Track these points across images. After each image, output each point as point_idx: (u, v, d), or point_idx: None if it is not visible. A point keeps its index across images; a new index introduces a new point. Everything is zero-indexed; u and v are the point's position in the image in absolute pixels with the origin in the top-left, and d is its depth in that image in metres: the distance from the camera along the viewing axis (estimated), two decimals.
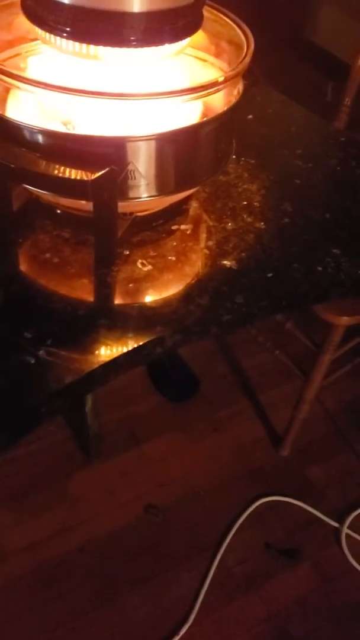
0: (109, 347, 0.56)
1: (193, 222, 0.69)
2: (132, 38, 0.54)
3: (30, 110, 0.61)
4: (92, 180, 0.52)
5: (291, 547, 1.20)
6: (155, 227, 0.67)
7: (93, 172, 0.53)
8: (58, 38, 0.56)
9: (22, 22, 0.61)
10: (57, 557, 1.15)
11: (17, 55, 0.66)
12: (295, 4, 2.48)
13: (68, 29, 0.55)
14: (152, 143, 0.55)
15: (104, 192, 0.54)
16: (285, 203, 0.73)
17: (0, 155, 0.54)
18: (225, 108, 0.58)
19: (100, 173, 0.52)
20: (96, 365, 0.54)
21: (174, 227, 0.68)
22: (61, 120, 0.59)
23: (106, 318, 0.58)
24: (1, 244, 0.63)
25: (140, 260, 0.63)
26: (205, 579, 1.14)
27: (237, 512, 1.24)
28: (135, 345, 0.56)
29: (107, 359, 0.54)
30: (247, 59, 0.56)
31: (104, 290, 0.61)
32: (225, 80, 0.55)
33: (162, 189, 0.60)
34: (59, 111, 0.59)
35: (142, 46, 0.55)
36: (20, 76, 0.54)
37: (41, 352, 0.54)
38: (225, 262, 0.64)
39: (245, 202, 0.73)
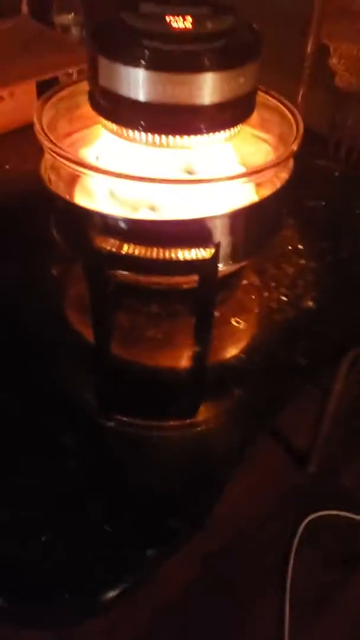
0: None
1: (255, 273, 0.75)
2: (201, 126, 0.60)
3: (102, 197, 0.65)
4: (210, 259, 0.56)
5: (350, 556, 1.25)
6: (228, 285, 0.72)
7: (189, 248, 0.58)
8: (131, 130, 0.60)
9: (83, 113, 0.66)
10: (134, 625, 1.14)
11: (74, 142, 0.70)
12: None
13: (143, 122, 0.59)
14: (239, 217, 0.61)
15: (210, 267, 0.59)
16: (320, 241, 0.81)
17: (106, 249, 0.57)
18: (284, 182, 0.64)
19: (211, 251, 0.57)
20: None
21: (244, 282, 0.73)
22: (147, 206, 0.63)
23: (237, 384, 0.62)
24: (105, 331, 0.65)
25: (233, 319, 0.68)
26: (284, 610, 1.16)
27: (289, 538, 1.28)
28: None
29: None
30: (295, 147, 0.62)
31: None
32: (288, 157, 0.61)
33: (237, 257, 0.65)
34: (143, 198, 0.63)
35: (210, 132, 0.60)
36: (115, 172, 0.58)
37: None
38: (308, 302, 0.70)
39: (289, 247, 0.79)
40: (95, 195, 0.65)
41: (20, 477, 0.53)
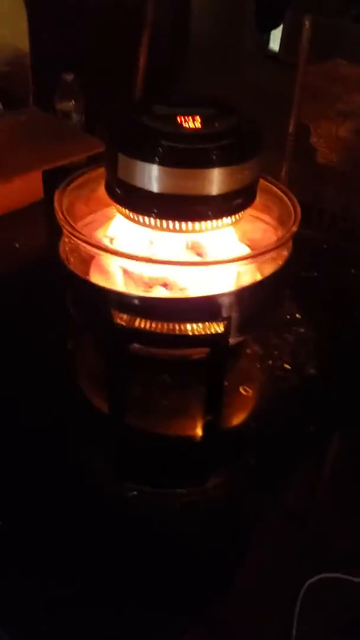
0: None
1: (258, 342, 0.79)
2: (209, 213, 0.65)
3: (117, 275, 0.70)
4: (222, 333, 0.61)
5: (352, 620, 1.25)
6: (234, 354, 0.76)
7: (201, 323, 0.62)
8: (145, 217, 0.66)
9: (98, 196, 0.72)
10: None
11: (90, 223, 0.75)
12: None
13: (156, 210, 0.65)
14: (247, 293, 0.66)
15: (222, 340, 0.63)
16: (316, 310, 0.86)
17: (124, 324, 0.62)
18: (285, 260, 0.70)
19: (223, 325, 0.61)
20: None
21: (248, 351, 0.78)
22: (161, 283, 0.68)
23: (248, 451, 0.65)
24: (121, 402, 0.69)
25: (242, 387, 0.72)
26: None
27: (290, 603, 1.28)
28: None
29: None
30: (295, 228, 0.68)
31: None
32: (289, 238, 0.67)
33: (245, 329, 0.70)
34: (157, 277, 0.68)
35: (216, 219, 0.66)
36: (133, 255, 0.63)
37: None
38: (310, 370, 0.75)
39: (288, 317, 0.84)
40: (110, 273, 0.70)
41: (44, 555, 0.55)
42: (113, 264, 0.70)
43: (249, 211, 0.76)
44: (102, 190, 0.73)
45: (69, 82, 1.23)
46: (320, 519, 1.42)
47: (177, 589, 0.54)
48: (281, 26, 2.66)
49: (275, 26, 2.72)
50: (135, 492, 0.60)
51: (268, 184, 0.73)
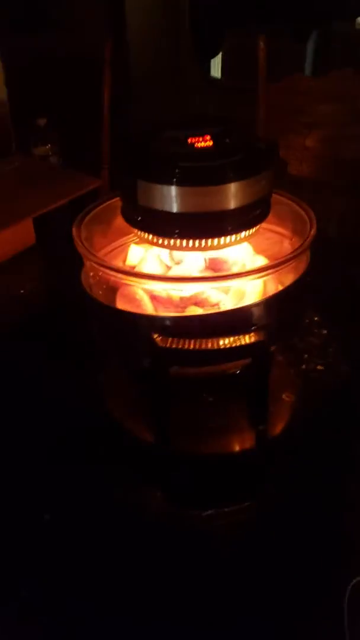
0: None
1: (286, 349, 0.80)
2: (228, 228, 0.67)
3: (146, 303, 0.70)
4: (263, 341, 0.61)
5: None
6: None
7: (241, 335, 0.63)
8: (167, 239, 0.66)
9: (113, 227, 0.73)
10: None
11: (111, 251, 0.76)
12: None
13: (177, 231, 0.66)
14: (280, 301, 0.67)
15: (263, 348, 0.64)
16: (332, 310, 0.88)
17: (169, 346, 0.62)
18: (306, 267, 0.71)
19: (263, 333, 0.62)
20: None
21: (279, 359, 0.78)
22: (192, 303, 0.68)
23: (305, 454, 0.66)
24: (167, 426, 0.68)
25: (284, 395, 0.72)
26: None
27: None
28: None
29: None
30: (313, 231, 0.70)
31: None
32: (305, 249, 0.69)
33: (280, 336, 0.71)
34: (187, 297, 0.68)
35: (238, 232, 0.67)
36: (163, 276, 0.64)
37: None
38: (343, 367, 0.76)
39: (307, 320, 0.85)
40: (138, 301, 0.70)
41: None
42: (140, 291, 0.70)
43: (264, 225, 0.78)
44: (114, 222, 0.74)
45: (43, 127, 1.25)
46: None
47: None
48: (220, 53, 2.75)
49: (214, 55, 2.81)
50: (210, 511, 0.60)
51: (281, 197, 0.75)
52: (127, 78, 2.40)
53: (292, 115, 1.49)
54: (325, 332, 0.83)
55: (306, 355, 0.79)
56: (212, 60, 2.85)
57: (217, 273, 0.70)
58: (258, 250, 0.77)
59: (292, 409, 0.71)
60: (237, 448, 0.69)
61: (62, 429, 0.70)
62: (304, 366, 0.77)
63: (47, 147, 1.26)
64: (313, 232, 0.69)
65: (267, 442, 0.67)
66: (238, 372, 0.71)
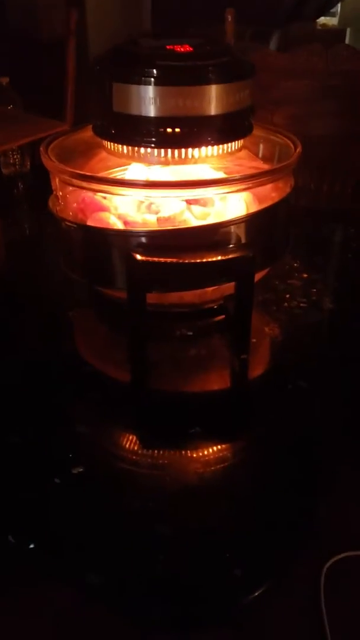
0: None
1: (266, 290, 0.76)
2: (209, 138, 0.62)
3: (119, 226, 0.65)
4: (248, 257, 0.57)
5: None
6: None
7: (227, 254, 0.58)
8: (144, 149, 0.61)
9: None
10: None
11: None
12: None
13: (155, 139, 0.61)
14: (266, 218, 0.62)
15: (248, 266, 0.59)
16: (312, 257, 0.85)
17: (147, 260, 0.56)
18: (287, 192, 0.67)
19: (248, 250, 0.58)
20: None
21: (260, 298, 0.74)
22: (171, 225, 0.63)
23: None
24: (142, 361, 0.62)
25: (267, 327, 0.68)
26: None
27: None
28: None
29: None
30: (299, 150, 0.67)
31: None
32: (290, 165, 0.65)
33: (266, 260, 0.66)
34: (166, 217, 0.63)
35: (217, 144, 0.63)
36: (142, 181, 0.58)
37: None
38: (328, 305, 0.72)
39: (287, 266, 0.82)
40: (111, 224, 0.64)
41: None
42: (112, 217, 0.65)
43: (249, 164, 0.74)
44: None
45: (5, 86, 1.19)
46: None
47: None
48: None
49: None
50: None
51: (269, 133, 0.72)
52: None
53: (259, 92, 1.47)
54: (306, 275, 0.79)
55: (288, 295, 0.75)
56: None
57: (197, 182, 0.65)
58: None
59: (276, 342, 0.67)
60: (217, 384, 0.64)
61: (33, 369, 0.64)
62: (286, 304, 0.73)
63: (10, 107, 1.20)
64: (299, 150, 0.65)
65: (249, 376, 0.63)
66: (220, 304, 0.66)
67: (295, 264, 0.82)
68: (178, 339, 0.66)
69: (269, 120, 1.50)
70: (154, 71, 0.57)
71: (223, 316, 0.66)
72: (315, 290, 0.75)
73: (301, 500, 0.51)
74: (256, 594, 0.44)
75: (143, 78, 0.57)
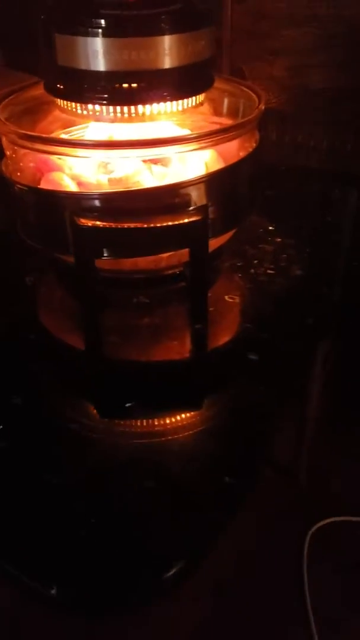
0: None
1: (235, 255, 0.73)
2: (164, 93, 0.58)
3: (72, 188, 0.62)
4: (200, 221, 0.54)
5: None
6: (211, 268, 0.69)
7: (178, 219, 0.55)
8: (94, 105, 0.58)
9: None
10: None
11: None
12: None
13: (106, 95, 0.57)
14: (222, 180, 0.59)
15: (201, 231, 0.56)
16: (289, 220, 0.81)
17: (94, 225, 0.54)
18: (251, 150, 0.63)
19: (200, 213, 0.55)
20: None
21: (226, 264, 0.71)
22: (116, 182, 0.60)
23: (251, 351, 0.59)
24: (95, 329, 0.61)
25: (227, 296, 0.65)
26: (309, 619, 1.09)
27: (297, 554, 1.22)
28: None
29: None
30: (262, 106, 0.63)
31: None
32: (253, 119, 0.61)
33: (223, 225, 0.63)
34: (118, 178, 0.60)
35: (173, 100, 0.59)
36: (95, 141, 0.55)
37: None
38: (296, 271, 0.69)
39: (261, 230, 0.78)
40: (64, 186, 0.62)
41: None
42: (65, 177, 0.62)
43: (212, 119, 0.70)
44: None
45: None
46: (314, 463, 1.37)
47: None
48: None
49: None
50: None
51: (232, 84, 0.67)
52: None
53: (258, 41, 1.40)
54: (279, 240, 0.76)
55: (256, 261, 0.72)
56: None
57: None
58: None
59: (236, 310, 0.64)
60: (174, 353, 0.62)
61: None
62: (252, 270, 0.70)
63: None
64: (262, 106, 0.61)
65: (204, 343, 0.60)
66: (178, 272, 0.63)
67: (270, 227, 0.79)
68: (135, 306, 0.64)
69: (268, 73, 1.44)
70: (99, 21, 0.53)
71: (183, 283, 0.64)
72: (285, 255, 0.72)
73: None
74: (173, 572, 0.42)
75: (87, 29, 0.53)
